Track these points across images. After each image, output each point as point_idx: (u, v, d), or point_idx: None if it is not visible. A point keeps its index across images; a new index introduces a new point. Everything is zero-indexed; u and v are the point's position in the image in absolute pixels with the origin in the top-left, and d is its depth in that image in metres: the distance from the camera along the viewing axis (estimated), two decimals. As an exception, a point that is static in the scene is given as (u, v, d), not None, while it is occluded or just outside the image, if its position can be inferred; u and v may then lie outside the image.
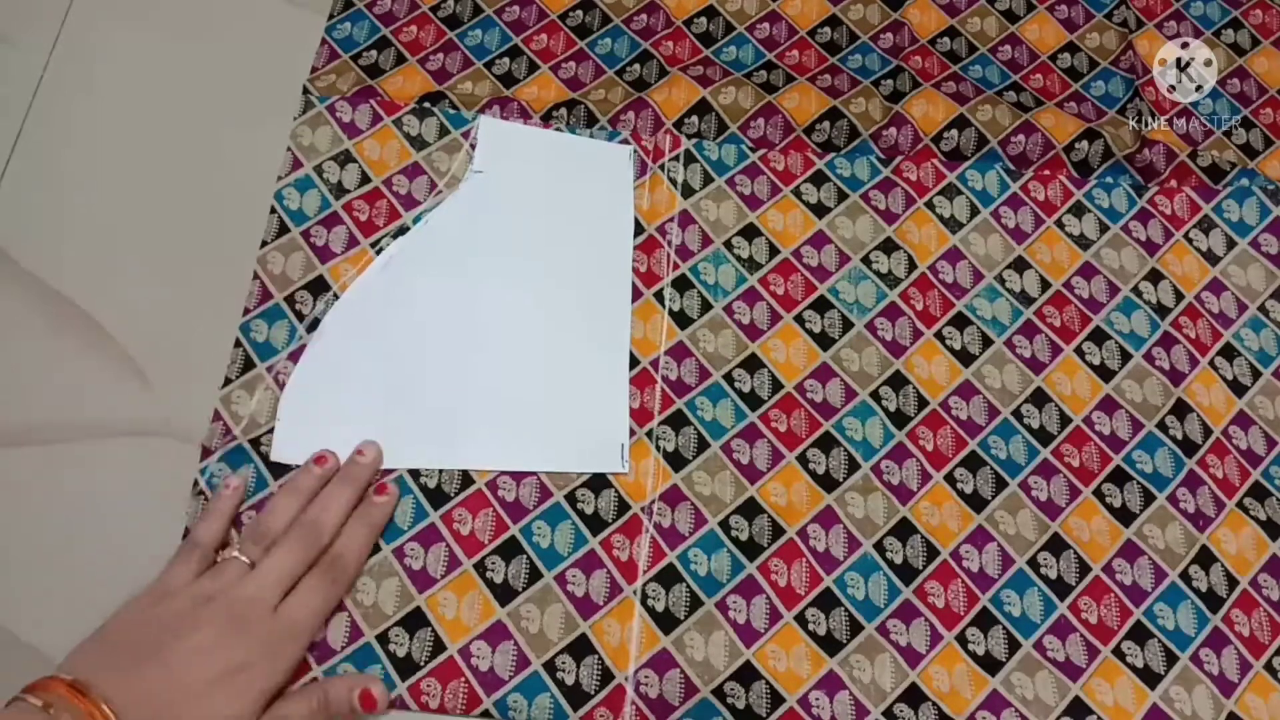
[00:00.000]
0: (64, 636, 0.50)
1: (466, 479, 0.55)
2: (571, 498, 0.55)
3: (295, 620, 0.47)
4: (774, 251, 0.62)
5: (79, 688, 0.41)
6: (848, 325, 0.61)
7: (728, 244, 0.62)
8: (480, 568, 0.53)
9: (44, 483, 0.54)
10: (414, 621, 0.51)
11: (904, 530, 0.55)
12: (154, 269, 0.60)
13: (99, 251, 0.60)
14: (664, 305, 0.60)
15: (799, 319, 0.60)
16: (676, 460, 0.56)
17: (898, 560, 0.55)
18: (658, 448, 0.56)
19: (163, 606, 0.46)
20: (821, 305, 0.61)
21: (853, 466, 0.57)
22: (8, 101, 0.63)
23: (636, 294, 0.60)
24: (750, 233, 0.63)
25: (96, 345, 0.57)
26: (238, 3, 0.68)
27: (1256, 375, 0.61)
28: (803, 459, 0.57)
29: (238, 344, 0.57)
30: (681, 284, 0.61)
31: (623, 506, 0.55)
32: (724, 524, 0.55)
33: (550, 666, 0.51)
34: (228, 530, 0.51)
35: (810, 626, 0.53)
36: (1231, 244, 0.65)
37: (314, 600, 0.48)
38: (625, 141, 0.65)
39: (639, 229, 0.62)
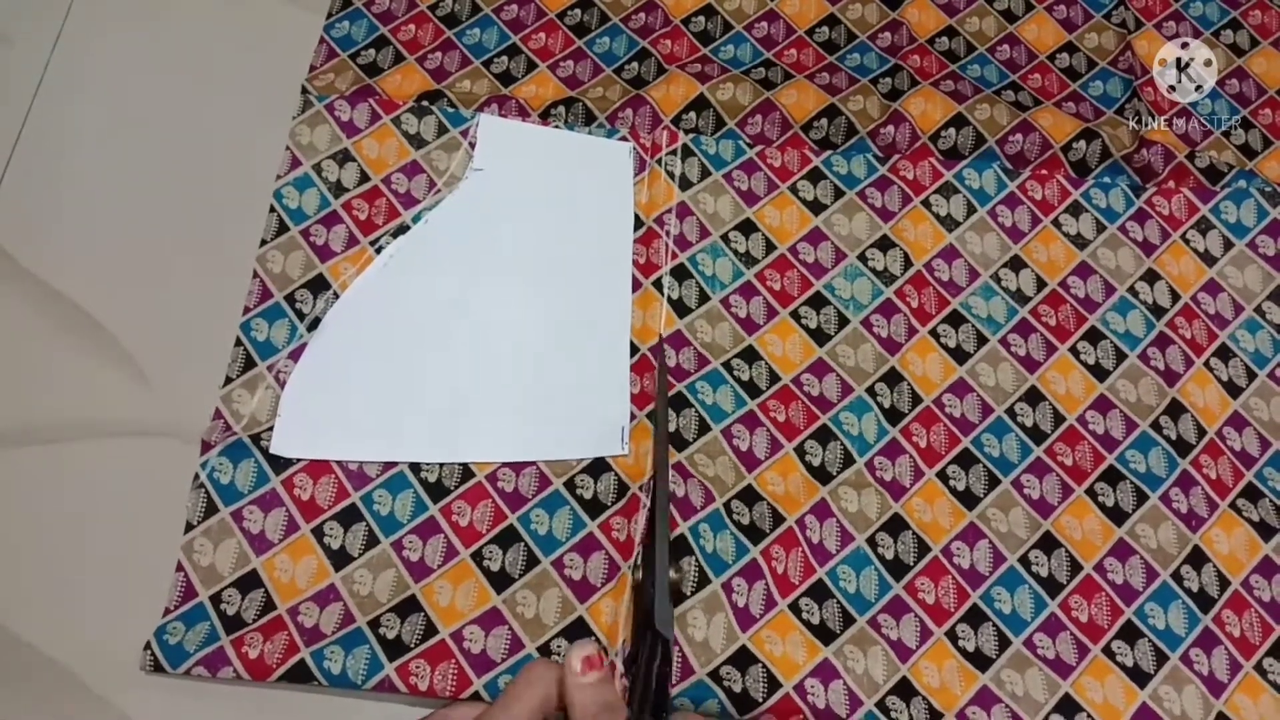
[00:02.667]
0: (64, 637, 0.51)
1: (467, 472, 0.55)
2: (570, 484, 0.55)
3: None
4: (770, 247, 0.62)
5: None
6: (843, 321, 0.61)
7: (725, 238, 0.62)
8: (477, 557, 0.53)
9: (44, 483, 0.54)
10: (407, 607, 0.52)
11: (896, 526, 0.55)
12: (154, 268, 0.60)
13: (99, 251, 0.60)
14: (663, 293, 0.60)
15: (795, 315, 0.61)
16: (677, 441, 0.56)
17: (889, 555, 0.55)
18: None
19: None
20: (818, 301, 0.61)
21: (847, 461, 0.57)
22: (8, 101, 0.63)
23: (636, 284, 0.61)
24: (747, 228, 0.63)
25: (96, 345, 0.57)
26: (237, 2, 0.68)
27: (1252, 377, 0.61)
28: (800, 450, 0.57)
29: (238, 343, 0.57)
30: (680, 273, 0.61)
31: (622, 489, 0.55)
32: (726, 506, 0.55)
33: (545, 650, 0.51)
34: None
35: (804, 615, 0.53)
36: (1228, 245, 0.65)
37: None
38: (624, 139, 0.65)
39: (638, 223, 0.63)
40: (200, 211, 0.62)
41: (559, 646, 0.51)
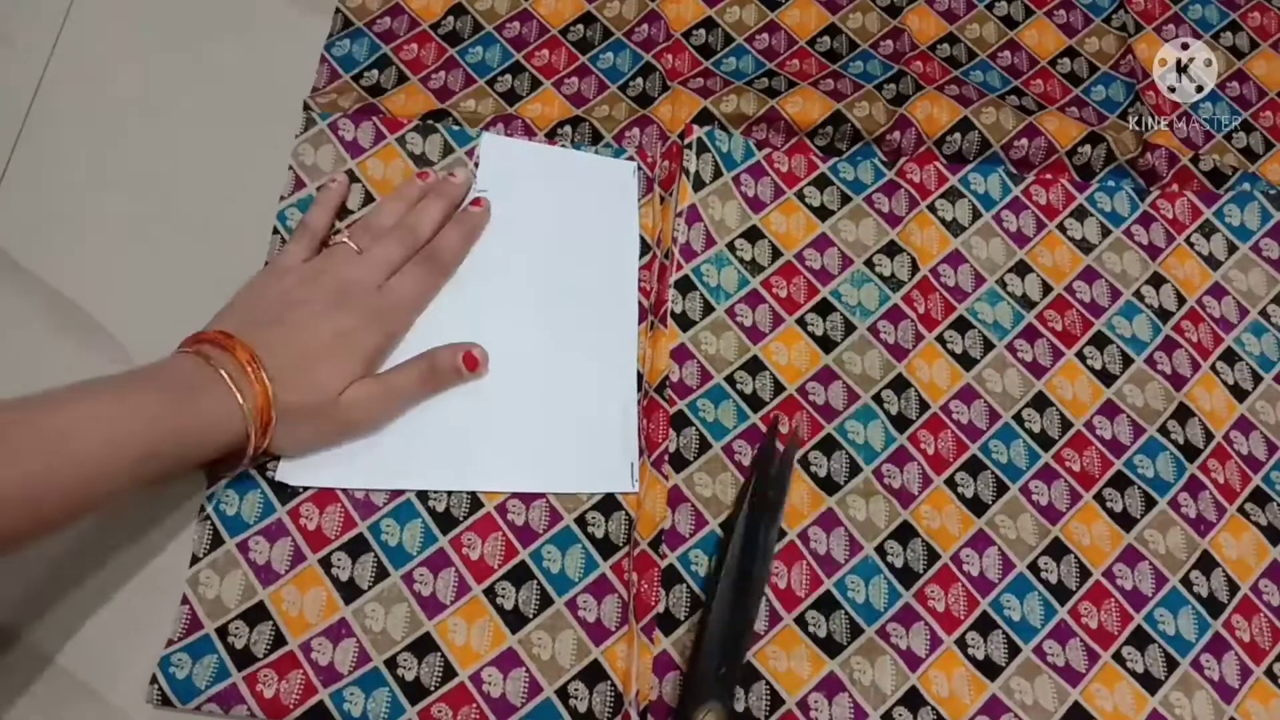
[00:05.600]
0: (64, 636, 0.49)
1: (476, 502, 0.53)
2: (582, 521, 0.53)
3: (396, 296, 0.54)
4: (777, 254, 0.61)
5: (224, 340, 0.48)
6: (850, 328, 0.59)
7: (730, 246, 0.61)
8: (490, 594, 0.51)
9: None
10: (423, 647, 0.50)
11: (905, 534, 0.54)
12: (155, 267, 0.58)
13: (99, 251, 0.58)
14: (665, 324, 0.58)
15: (801, 322, 0.59)
16: (678, 461, 0.55)
17: (898, 564, 0.53)
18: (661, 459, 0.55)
19: (280, 281, 0.53)
20: (824, 308, 0.60)
21: (854, 469, 0.55)
22: (8, 101, 0.62)
23: (642, 313, 0.59)
24: (753, 235, 0.61)
25: (97, 345, 0.56)
26: (239, 5, 0.67)
27: (1258, 380, 0.60)
28: (804, 461, 0.55)
29: None
30: (684, 285, 0.59)
31: (633, 529, 0.53)
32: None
33: (563, 694, 0.49)
34: (333, 222, 0.58)
35: (810, 629, 0.51)
36: (1233, 248, 0.63)
37: (412, 283, 0.55)
38: (630, 158, 0.63)
39: (645, 248, 0.61)
40: (199, 210, 0.60)
41: (576, 690, 0.49)
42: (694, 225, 0.61)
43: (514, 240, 0.60)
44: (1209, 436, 0.58)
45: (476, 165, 0.62)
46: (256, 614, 0.50)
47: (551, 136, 0.64)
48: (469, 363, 0.54)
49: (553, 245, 0.61)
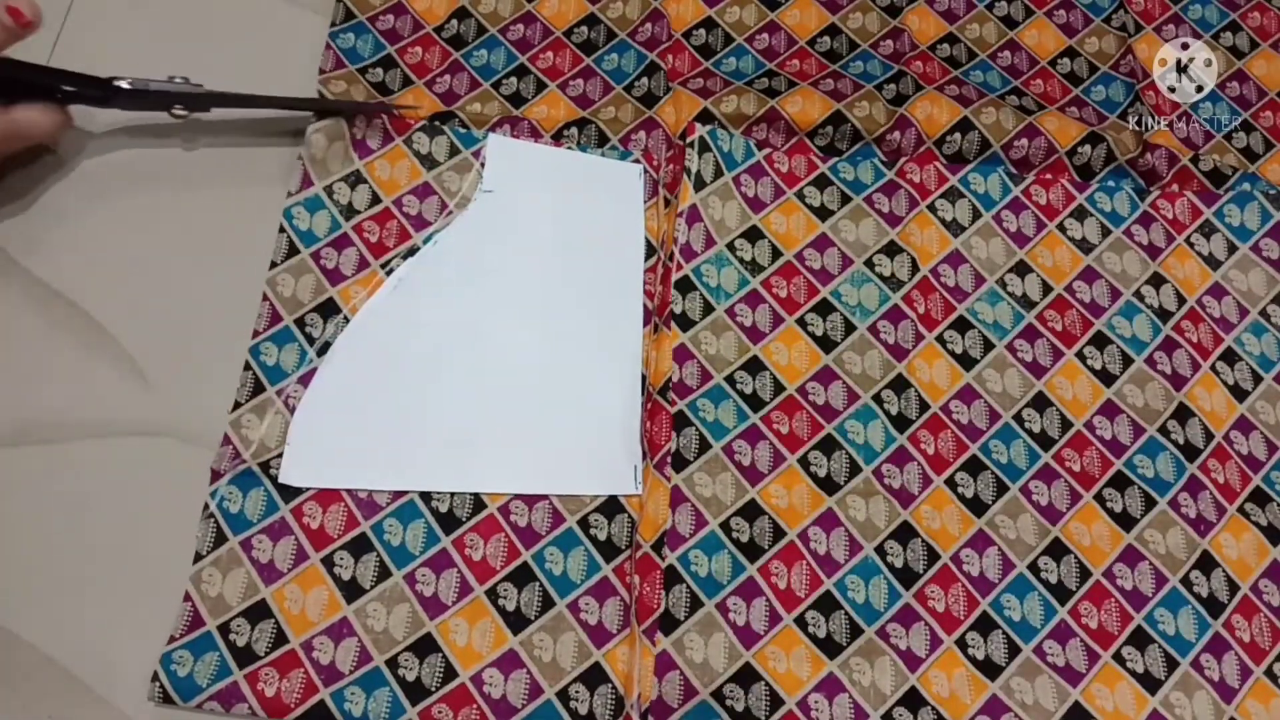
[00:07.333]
0: (64, 634, 0.49)
1: (478, 503, 0.53)
2: (584, 523, 0.53)
3: None
4: (777, 254, 0.61)
5: None
6: (850, 328, 0.59)
7: (730, 246, 0.60)
8: (492, 594, 0.51)
9: (44, 483, 0.52)
10: (424, 646, 0.49)
11: (905, 534, 0.53)
12: (154, 266, 0.58)
13: (100, 252, 0.58)
14: (669, 327, 0.58)
15: (801, 322, 0.59)
16: (678, 461, 0.54)
17: (898, 564, 0.53)
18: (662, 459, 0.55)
19: None
20: (824, 308, 0.60)
21: (854, 470, 0.55)
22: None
23: (647, 317, 0.58)
24: (753, 235, 0.61)
25: (97, 345, 0.55)
26: (240, 5, 0.66)
27: (1258, 380, 0.59)
28: (804, 461, 0.55)
29: (247, 367, 0.55)
30: (684, 285, 0.59)
31: (635, 532, 0.53)
32: (724, 525, 0.53)
33: (564, 695, 0.49)
34: None
35: (810, 629, 0.51)
36: (1233, 248, 0.63)
37: None
38: (636, 161, 0.63)
39: (649, 250, 0.60)
40: (201, 209, 0.60)
41: (577, 692, 0.49)
42: (694, 225, 0.60)
43: (520, 242, 0.60)
44: (1209, 436, 0.57)
45: (483, 166, 0.62)
46: (258, 612, 0.50)
47: (558, 139, 0.63)
48: (15, 17, 0.52)
49: (558, 247, 0.61)
